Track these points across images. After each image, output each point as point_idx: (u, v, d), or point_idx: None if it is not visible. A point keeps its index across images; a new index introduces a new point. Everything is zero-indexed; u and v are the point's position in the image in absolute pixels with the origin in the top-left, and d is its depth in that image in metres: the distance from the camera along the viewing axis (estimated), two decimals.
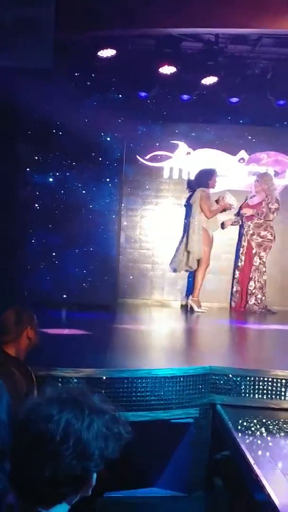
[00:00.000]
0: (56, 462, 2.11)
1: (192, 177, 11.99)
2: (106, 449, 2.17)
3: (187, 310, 11.11)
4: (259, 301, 11.28)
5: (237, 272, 11.50)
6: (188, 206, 11.70)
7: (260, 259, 11.33)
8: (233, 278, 11.62)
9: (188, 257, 11.34)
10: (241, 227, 11.65)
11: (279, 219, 11.61)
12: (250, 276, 11.30)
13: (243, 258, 11.39)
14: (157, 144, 11.95)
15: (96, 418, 2.17)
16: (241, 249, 11.45)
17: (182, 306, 11.63)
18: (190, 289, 11.58)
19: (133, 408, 5.62)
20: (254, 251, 11.34)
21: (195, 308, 10.97)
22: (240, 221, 11.64)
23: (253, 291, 11.29)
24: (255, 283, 11.28)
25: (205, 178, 11.35)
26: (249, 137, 11.92)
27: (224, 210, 11.39)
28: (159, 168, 12.04)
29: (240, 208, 11.65)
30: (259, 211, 11.29)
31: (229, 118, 11.70)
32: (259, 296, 11.29)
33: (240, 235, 11.65)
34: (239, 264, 11.45)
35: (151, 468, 5.97)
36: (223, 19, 8.26)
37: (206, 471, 5.94)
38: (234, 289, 11.51)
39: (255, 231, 11.35)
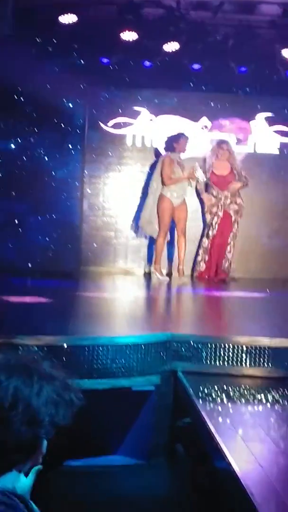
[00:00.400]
0: (5, 429, 2.09)
1: (155, 144, 11.96)
2: (57, 416, 2.15)
3: (150, 277, 11.13)
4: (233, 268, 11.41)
5: (206, 241, 11.44)
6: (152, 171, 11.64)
7: (238, 225, 11.34)
8: (199, 247, 11.58)
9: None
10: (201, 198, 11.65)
11: None
12: (229, 242, 11.30)
13: (216, 227, 11.32)
14: (120, 110, 11.87)
15: (46, 385, 2.15)
16: (216, 218, 11.34)
17: (145, 273, 11.64)
18: (152, 257, 11.58)
19: (94, 375, 5.61)
20: (233, 218, 11.32)
21: (157, 276, 10.99)
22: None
23: (231, 258, 11.33)
24: (232, 250, 11.33)
25: (172, 142, 11.22)
26: (212, 104, 11.89)
27: (189, 180, 11.23)
28: (122, 135, 11.97)
29: (215, 184, 11.44)
30: (246, 182, 11.33)
31: (191, 84, 11.63)
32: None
33: (203, 206, 11.58)
34: (210, 233, 11.38)
35: (112, 436, 5.98)
36: None
37: (168, 439, 5.96)
38: (200, 258, 11.48)
39: (232, 199, 11.33)
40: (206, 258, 11.40)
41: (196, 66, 11.13)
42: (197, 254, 11.59)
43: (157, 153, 11.88)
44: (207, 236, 11.40)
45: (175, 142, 11.16)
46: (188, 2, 10.04)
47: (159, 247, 11.19)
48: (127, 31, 10.19)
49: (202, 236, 11.54)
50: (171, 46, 10.62)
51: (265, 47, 10.83)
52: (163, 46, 10.63)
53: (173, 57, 10.83)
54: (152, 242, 11.75)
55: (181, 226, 11.23)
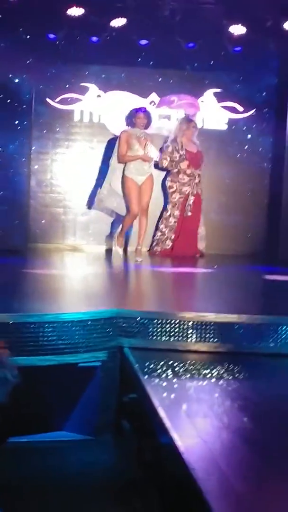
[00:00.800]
0: None
1: (103, 120, 11.91)
2: None
3: (106, 254, 11.15)
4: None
5: (172, 220, 11.41)
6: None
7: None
8: (163, 224, 11.54)
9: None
10: (167, 176, 11.61)
11: None
12: (200, 219, 11.35)
13: (189, 208, 11.30)
14: (67, 86, 11.80)
15: None
16: (192, 197, 11.30)
17: (106, 250, 11.63)
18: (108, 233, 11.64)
19: (40, 352, 5.59)
20: (202, 197, 11.36)
21: (116, 248, 11.11)
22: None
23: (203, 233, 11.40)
24: (203, 226, 11.39)
25: (131, 116, 11.13)
26: (160, 80, 11.87)
27: (143, 160, 10.91)
28: (69, 111, 11.91)
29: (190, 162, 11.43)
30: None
31: (139, 60, 11.60)
32: None
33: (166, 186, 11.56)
34: (177, 213, 11.35)
35: (58, 412, 5.97)
36: None
37: (114, 414, 5.97)
38: (165, 236, 11.43)
39: (200, 179, 11.37)
40: (173, 236, 11.37)
41: (143, 42, 11.07)
42: (158, 230, 11.55)
43: (104, 129, 11.84)
44: (174, 216, 11.38)
45: (133, 117, 10.99)
46: None
47: (125, 225, 11.01)
48: (74, 6, 10.05)
49: (167, 215, 11.46)
50: (118, 22, 10.53)
51: (212, 23, 10.79)
52: (111, 22, 10.53)
53: (121, 33, 10.75)
54: (101, 218, 11.73)
55: (144, 203, 10.88)
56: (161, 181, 11.61)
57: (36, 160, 11.82)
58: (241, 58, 11.32)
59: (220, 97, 11.98)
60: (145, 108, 11.16)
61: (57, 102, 11.80)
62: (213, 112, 12.03)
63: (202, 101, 12.04)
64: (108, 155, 11.68)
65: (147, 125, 11.01)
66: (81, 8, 10.14)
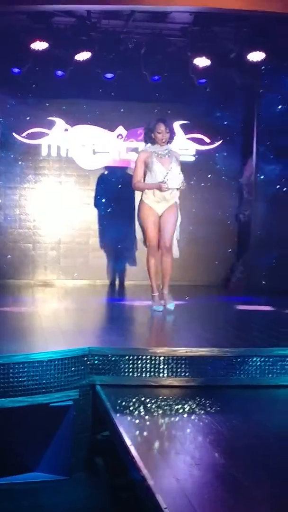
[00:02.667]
0: None
1: (71, 154, 11.93)
2: None
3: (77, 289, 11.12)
4: None
5: None
6: None
7: None
8: None
9: None
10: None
11: None
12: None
13: None
14: (34, 121, 11.81)
15: None
16: None
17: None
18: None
19: (10, 394, 5.54)
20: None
21: (154, 307, 8.68)
22: None
23: None
24: None
25: (149, 132, 8.73)
26: (126, 113, 11.92)
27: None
28: (36, 145, 11.94)
29: None
30: None
31: (105, 93, 11.65)
32: None
33: None
34: None
35: (31, 452, 5.91)
36: None
37: (88, 453, 5.93)
38: None
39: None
40: None
41: (109, 75, 11.13)
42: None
43: (73, 163, 11.86)
44: None
45: (153, 131, 8.64)
46: (99, 11, 10.00)
47: (149, 269, 8.70)
48: (37, 40, 10.09)
49: None
50: (83, 55, 10.58)
51: (177, 55, 10.91)
52: (75, 56, 10.58)
53: (86, 66, 10.80)
54: (75, 252, 11.74)
55: (165, 239, 8.61)
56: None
57: (4, 195, 11.81)
58: (206, 90, 11.40)
59: (186, 129, 12.06)
60: (165, 118, 9.00)
61: (24, 137, 11.81)
62: (180, 143, 12.08)
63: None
64: (78, 189, 11.73)
65: (170, 139, 8.75)
66: (44, 42, 10.16)
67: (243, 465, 4.27)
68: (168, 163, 8.48)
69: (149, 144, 8.72)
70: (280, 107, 11.80)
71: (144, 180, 8.61)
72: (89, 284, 11.70)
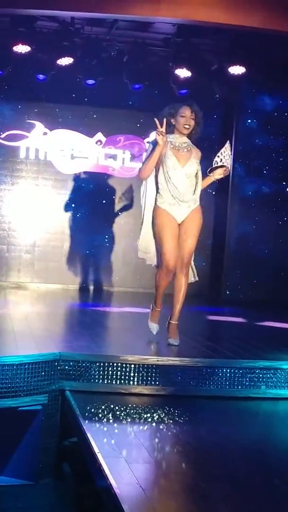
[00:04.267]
0: None
1: (49, 158, 11.93)
2: None
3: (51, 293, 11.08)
4: None
5: None
6: None
7: None
8: None
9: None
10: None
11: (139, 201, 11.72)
12: None
13: None
14: (13, 123, 11.79)
15: None
16: None
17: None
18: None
19: None
20: None
21: (151, 327, 7.20)
22: None
23: None
24: None
25: (168, 118, 6.84)
26: (106, 120, 11.94)
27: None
28: (15, 147, 11.91)
29: None
30: None
31: (86, 99, 11.69)
32: None
33: None
34: None
35: None
36: (79, 2, 8.22)
37: (55, 458, 5.93)
38: None
39: None
40: None
41: (90, 81, 11.13)
42: None
43: (51, 167, 11.87)
44: None
45: (172, 116, 6.90)
46: (83, 17, 10.01)
47: (158, 284, 7.04)
48: (20, 43, 10.08)
49: None
50: (65, 60, 10.57)
51: (159, 65, 10.95)
52: (57, 60, 10.58)
53: (67, 72, 10.80)
54: (50, 256, 11.74)
55: (184, 253, 6.93)
56: None
57: None
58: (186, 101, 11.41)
59: None
60: (192, 101, 7.13)
61: (2, 138, 11.79)
62: None
63: (148, 142, 12.13)
64: (55, 193, 11.75)
65: (195, 131, 7.01)
66: (27, 46, 10.15)
67: (210, 477, 4.30)
68: (185, 159, 6.81)
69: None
70: (256, 121, 11.90)
71: (156, 177, 6.90)
72: (62, 288, 11.69)
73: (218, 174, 6.93)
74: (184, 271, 6.93)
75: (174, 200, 6.77)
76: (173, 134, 6.87)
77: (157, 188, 6.89)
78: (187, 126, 6.84)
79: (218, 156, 6.90)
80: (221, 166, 6.89)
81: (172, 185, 6.75)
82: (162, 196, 6.81)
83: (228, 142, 7.05)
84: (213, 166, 6.87)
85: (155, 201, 6.91)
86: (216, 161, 6.89)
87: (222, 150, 6.91)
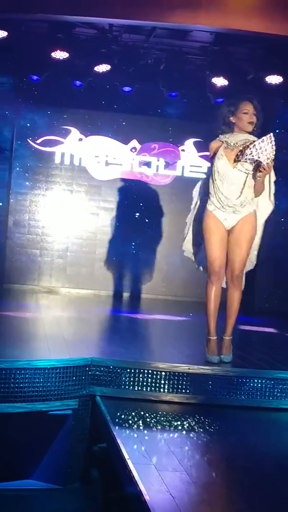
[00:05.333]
0: None
1: (84, 164, 11.97)
2: None
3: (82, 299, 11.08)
4: None
5: None
6: None
7: None
8: None
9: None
10: None
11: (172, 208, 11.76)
12: None
13: None
14: (49, 129, 11.85)
15: None
16: None
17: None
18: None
19: (10, 399, 5.55)
20: None
21: (208, 356, 6.48)
22: None
23: None
24: None
25: (223, 117, 6.45)
26: (141, 127, 11.96)
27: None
28: (50, 152, 11.97)
29: None
30: None
31: (122, 106, 11.70)
32: None
33: None
34: None
35: (27, 459, 5.91)
36: (117, 9, 8.24)
37: (83, 463, 5.93)
38: None
39: None
40: None
41: (127, 89, 11.18)
42: None
43: (85, 173, 11.91)
44: None
45: (232, 113, 6.39)
46: (121, 25, 10.05)
47: (208, 302, 6.56)
48: (58, 50, 10.14)
49: None
50: (102, 67, 10.62)
51: (195, 73, 10.95)
52: (95, 67, 10.63)
53: (104, 78, 10.86)
54: (82, 261, 11.76)
55: (234, 265, 6.51)
56: None
57: (15, 200, 11.84)
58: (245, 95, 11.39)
59: (200, 147, 12.09)
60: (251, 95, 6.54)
61: (38, 144, 11.85)
62: (193, 161, 12.14)
63: (183, 150, 12.15)
64: (88, 199, 11.80)
65: (256, 127, 6.43)
66: (65, 52, 10.21)
67: (240, 487, 4.27)
68: (240, 164, 6.26)
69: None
70: None
71: (212, 183, 6.35)
72: (94, 294, 11.72)
73: (258, 173, 6.23)
74: (235, 283, 6.52)
75: (219, 203, 6.33)
76: (232, 133, 6.37)
77: (209, 191, 6.43)
78: (251, 123, 6.33)
79: (250, 148, 6.11)
80: (256, 161, 6.14)
81: (218, 188, 6.29)
82: (211, 199, 6.38)
83: (270, 134, 6.14)
84: (244, 158, 6.15)
85: (206, 203, 6.46)
86: (246, 153, 6.14)
87: (256, 142, 6.12)
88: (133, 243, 11.90)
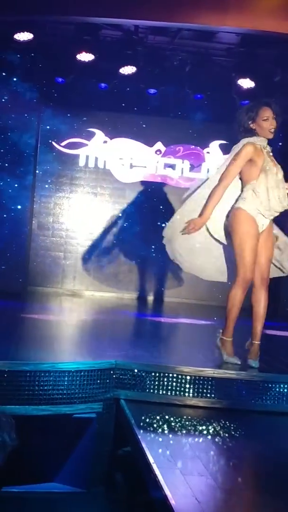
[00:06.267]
0: None
1: (108, 166, 11.95)
2: None
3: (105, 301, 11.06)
4: None
5: None
6: None
7: None
8: None
9: None
10: None
11: None
12: None
13: None
14: (74, 131, 11.84)
15: None
16: None
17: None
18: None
19: (34, 402, 5.52)
20: None
21: (225, 356, 6.43)
22: None
23: None
24: None
25: (247, 117, 6.36)
26: (166, 129, 11.91)
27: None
28: (75, 155, 11.95)
29: None
30: None
31: (147, 108, 11.66)
32: None
33: None
34: None
35: (51, 462, 5.89)
36: (143, 11, 8.22)
37: (107, 467, 5.90)
38: None
39: None
40: None
41: (152, 91, 11.16)
42: None
43: (110, 176, 11.88)
44: None
45: (252, 119, 6.32)
46: (146, 26, 10.03)
47: (232, 306, 6.34)
48: (84, 52, 10.14)
49: None
50: (128, 69, 10.60)
51: (221, 75, 10.90)
52: (120, 69, 10.61)
53: (129, 80, 10.83)
54: (105, 264, 11.74)
55: (262, 269, 6.41)
56: None
57: (39, 203, 11.83)
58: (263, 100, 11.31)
59: (225, 149, 12.02)
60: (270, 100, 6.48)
61: (63, 146, 11.85)
62: (218, 163, 12.06)
63: (208, 152, 12.10)
64: (112, 202, 11.77)
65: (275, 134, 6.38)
66: (90, 54, 10.20)
67: (267, 493, 4.21)
68: (276, 168, 6.30)
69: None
70: None
71: (261, 191, 6.21)
72: (117, 297, 11.69)
73: None
74: (265, 287, 6.41)
75: (267, 211, 6.21)
76: (260, 137, 6.28)
77: (248, 193, 6.21)
78: (272, 130, 6.24)
79: None
80: None
81: (266, 196, 6.15)
82: (251, 201, 6.19)
83: None
84: None
85: (238, 202, 6.27)
86: None
87: None
88: (157, 246, 11.80)
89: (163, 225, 11.34)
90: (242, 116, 6.35)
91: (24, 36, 9.75)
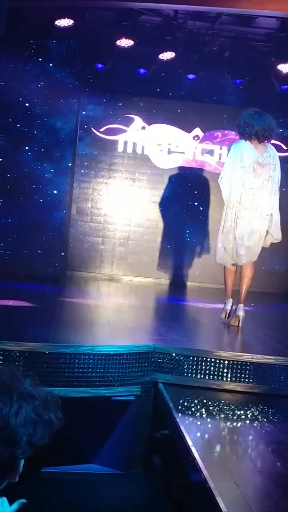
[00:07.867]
0: None
1: (146, 152, 11.94)
2: (35, 436, 2.12)
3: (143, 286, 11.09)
4: None
5: None
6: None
7: None
8: None
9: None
10: None
11: None
12: None
13: None
14: (113, 117, 11.84)
15: (25, 404, 2.11)
16: None
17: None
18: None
19: (74, 384, 5.60)
20: None
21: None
22: None
23: None
24: None
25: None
26: (205, 115, 11.87)
27: None
28: (113, 141, 11.94)
29: None
30: None
31: (185, 94, 11.62)
32: None
33: None
34: None
35: (90, 444, 5.96)
36: None
37: (145, 449, 5.95)
38: None
39: None
40: None
41: (191, 76, 11.13)
42: None
43: (148, 161, 11.88)
44: None
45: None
46: (186, 11, 10.00)
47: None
48: (123, 37, 10.15)
49: None
50: (167, 55, 10.58)
51: (261, 60, 10.85)
52: (159, 55, 10.60)
53: (168, 66, 10.81)
54: (143, 250, 11.77)
55: None
56: None
57: (78, 189, 11.87)
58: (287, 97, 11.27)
59: None
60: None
61: (102, 132, 11.86)
62: None
63: None
64: (150, 187, 11.79)
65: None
66: (130, 40, 10.20)
67: None
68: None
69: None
70: None
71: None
72: (154, 282, 11.69)
73: None
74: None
75: None
76: None
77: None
78: None
79: None
80: None
81: None
82: None
83: None
84: None
85: None
86: None
87: None
88: (194, 232, 11.82)
89: (201, 208, 11.57)
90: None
91: (64, 22, 9.77)
